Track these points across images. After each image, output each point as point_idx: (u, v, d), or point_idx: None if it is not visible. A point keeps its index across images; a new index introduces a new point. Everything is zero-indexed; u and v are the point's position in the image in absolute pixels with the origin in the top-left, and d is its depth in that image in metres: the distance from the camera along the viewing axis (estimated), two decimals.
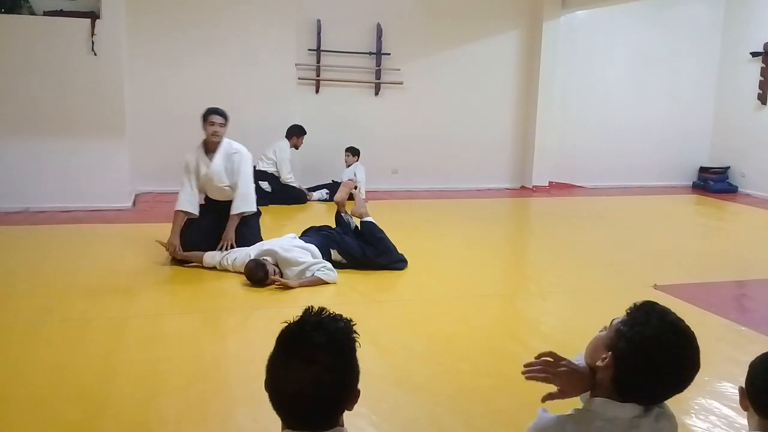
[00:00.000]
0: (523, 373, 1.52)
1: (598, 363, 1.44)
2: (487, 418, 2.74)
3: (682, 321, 1.43)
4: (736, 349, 3.49)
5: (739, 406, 1.60)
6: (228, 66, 7.84)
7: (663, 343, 1.37)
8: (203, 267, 4.73)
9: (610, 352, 1.42)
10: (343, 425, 1.32)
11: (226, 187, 4.97)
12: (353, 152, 7.97)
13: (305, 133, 7.77)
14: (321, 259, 4.53)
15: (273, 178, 7.47)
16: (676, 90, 9.76)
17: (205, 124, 4.89)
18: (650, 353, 1.37)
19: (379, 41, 8.42)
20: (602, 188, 9.42)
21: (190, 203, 4.92)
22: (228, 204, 4.96)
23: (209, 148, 4.95)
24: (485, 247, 5.85)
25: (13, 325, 3.58)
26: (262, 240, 4.89)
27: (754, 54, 9.18)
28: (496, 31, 8.95)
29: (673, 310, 1.45)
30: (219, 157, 4.91)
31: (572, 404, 1.53)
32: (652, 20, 9.44)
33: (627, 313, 1.46)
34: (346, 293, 4.35)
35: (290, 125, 7.71)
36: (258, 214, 5.16)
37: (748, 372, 1.53)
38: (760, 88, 9.14)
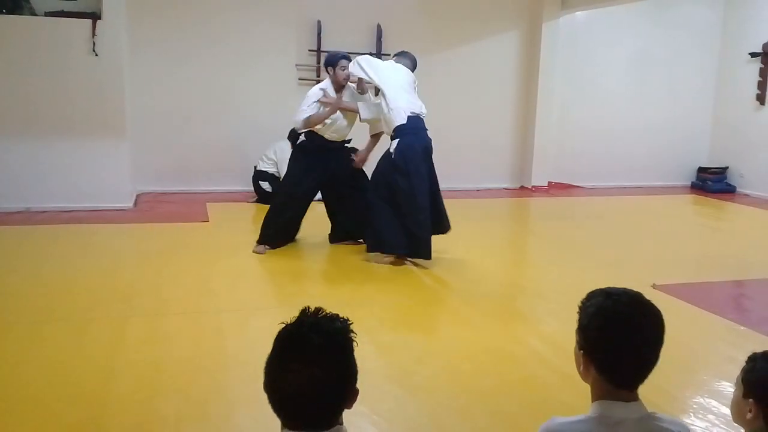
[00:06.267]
0: None
1: (582, 370, 1.47)
2: (487, 418, 2.75)
3: (616, 296, 1.44)
4: (735, 349, 3.49)
5: (733, 418, 1.59)
6: (228, 67, 7.85)
7: (610, 327, 1.41)
8: (203, 267, 4.75)
9: (581, 351, 1.46)
10: (342, 424, 1.33)
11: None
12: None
13: None
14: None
15: (273, 179, 7.46)
16: (676, 90, 9.76)
17: (336, 69, 5.27)
18: (610, 337, 1.41)
19: (379, 41, 8.43)
20: (601, 188, 9.43)
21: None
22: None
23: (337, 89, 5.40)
24: (485, 247, 5.86)
25: (13, 325, 3.58)
26: None
27: (753, 54, 9.18)
28: (495, 31, 8.95)
29: (612, 288, 1.47)
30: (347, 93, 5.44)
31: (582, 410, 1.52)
32: (651, 20, 9.45)
33: (579, 312, 1.49)
34: (344, 293, 4.36)
35: (292, 126, 7.70)
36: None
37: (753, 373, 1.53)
38: (758, 88, 9.15)
